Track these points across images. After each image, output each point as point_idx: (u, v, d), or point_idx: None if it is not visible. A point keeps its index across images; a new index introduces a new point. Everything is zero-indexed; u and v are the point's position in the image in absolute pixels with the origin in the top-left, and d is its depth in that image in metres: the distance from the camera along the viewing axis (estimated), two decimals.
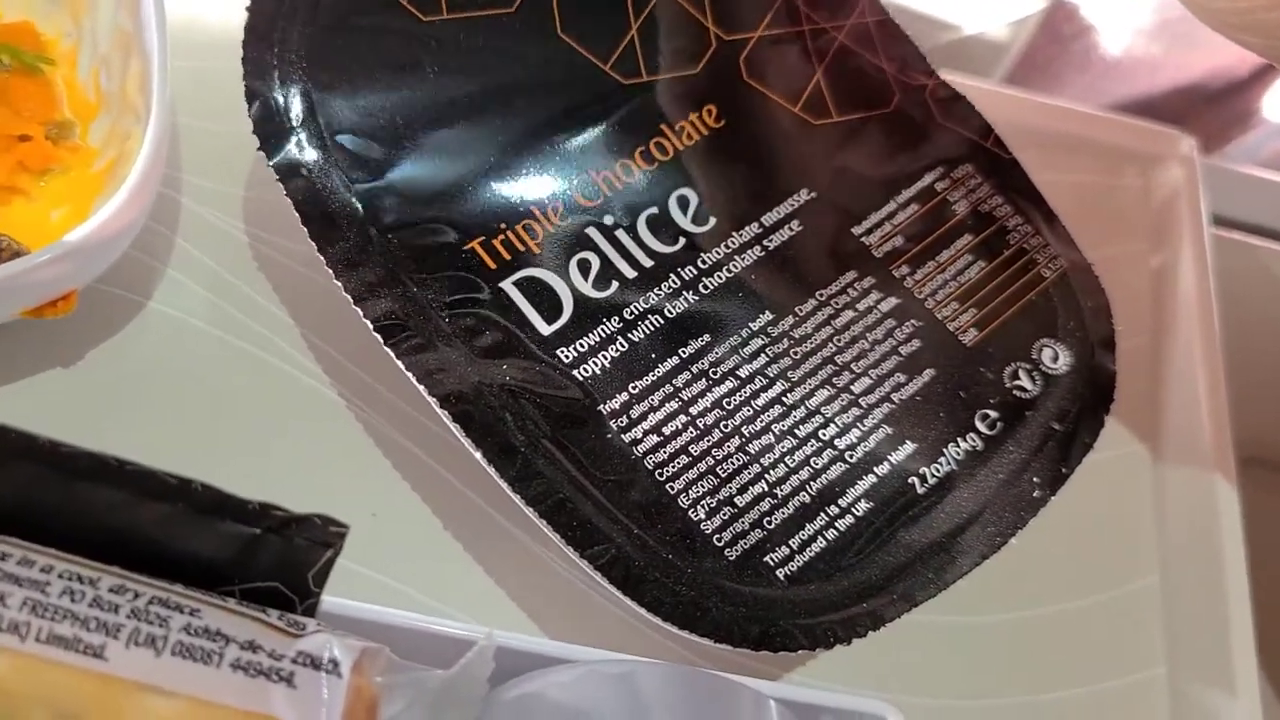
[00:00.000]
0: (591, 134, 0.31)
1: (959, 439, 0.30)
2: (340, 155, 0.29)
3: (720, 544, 0.27)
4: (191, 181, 0.33)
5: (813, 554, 0.27)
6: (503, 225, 0.29)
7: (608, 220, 0.30)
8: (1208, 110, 0.61)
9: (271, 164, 0.28)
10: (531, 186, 0.30)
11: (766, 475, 0.28)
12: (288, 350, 0.31)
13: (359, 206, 0.28)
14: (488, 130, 0.30)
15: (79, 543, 0.21)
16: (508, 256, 0.29)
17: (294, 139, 0.28)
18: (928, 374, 0.30)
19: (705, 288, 0.30)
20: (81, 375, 0.30)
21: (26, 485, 0.21)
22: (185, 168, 0.33)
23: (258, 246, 0.33)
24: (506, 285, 0.29)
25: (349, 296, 0.27)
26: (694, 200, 0.31)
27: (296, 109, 0.29)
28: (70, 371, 0.30)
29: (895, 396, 0.30)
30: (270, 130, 0.28)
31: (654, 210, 0.31)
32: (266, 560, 0.22)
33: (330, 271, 0.27)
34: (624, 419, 0.28)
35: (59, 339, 0.30)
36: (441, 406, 0.26)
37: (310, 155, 0.28)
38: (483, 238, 0.29)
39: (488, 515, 0.30)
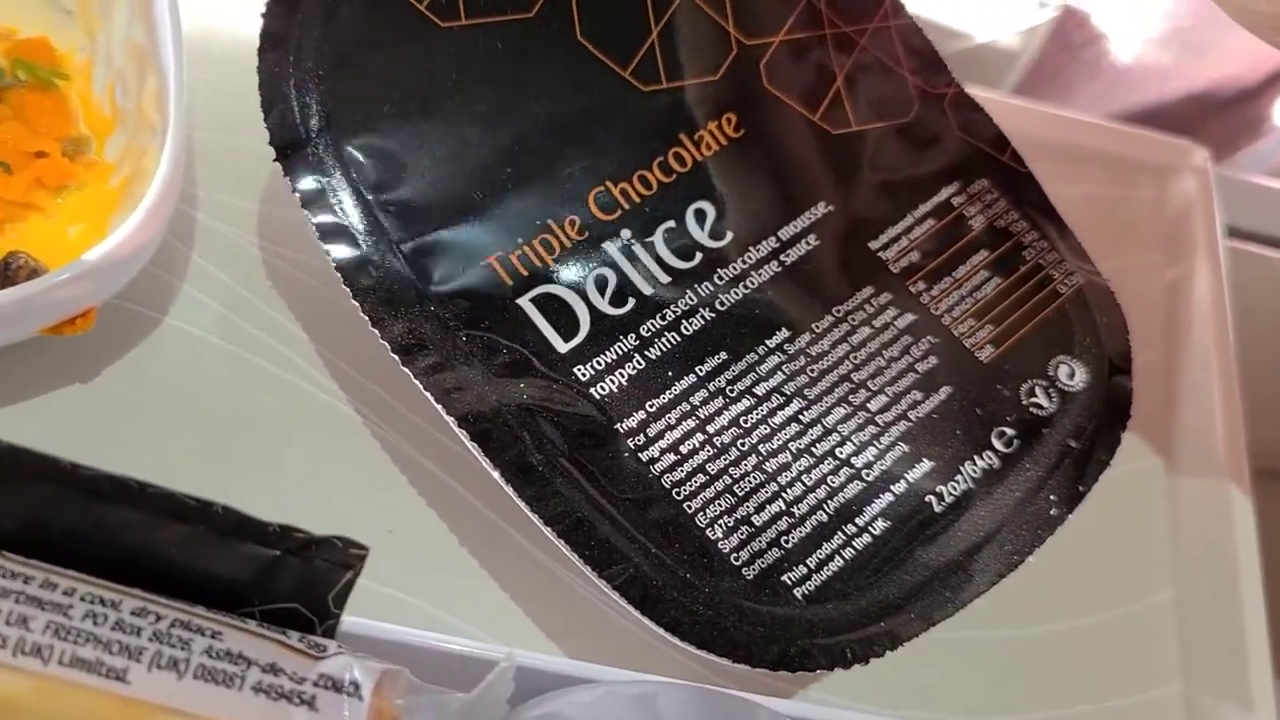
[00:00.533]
0: (610, 144, 0.31)
1: (976, 457, 0.30)
2: (357, 168, 0.28)
3: (738, 563, 0.27)
4: (207, 196, 0.33)
5: (830, 573, 0.27)
6: (519, 239, 0.29)
7: (625, 234, 0.30)
8: (1217, 118, 0.61)
9: (288, 176, 0.28)
10: (549, 198, 0.30)
11: (784, 494, 0.28)
12: (303, 366, 0.31)
13: (376, 222, 0.28)
14: (505, 139, 0.30)
15: (100, 563, 0.21)
16: (525, 273, 0.29)
17: (310, 150, 0.28)
18: (944, 391, 0.30)
19: (722, 304, 0.30)
20: (99, 391, 0.30)
21: (48, 507, 0.21)
22: (200, 182, 0.33)
23: (273, 262, 0.33)
24: (524, 302, 0.28)
25: (366, 317, 0.27)
26: (711, 214, 0.31)
27: (313, 119, 0.28)
28: (88, 388, 0.30)
29: (912, 414, 0.30)
30: (287, 141, 0.28)
31: (671, 224, 0.31)
32: (287, 582, 0.22)
33: (347, 290, 0.27)
34: (641, 437, 0.28)
35: (77, 356, 0.30)
36: (460, 426, 0.26)
37: (327, 167, 0.28)
38: (500, 253, 0.29)
39: (505, 533, 0.30)
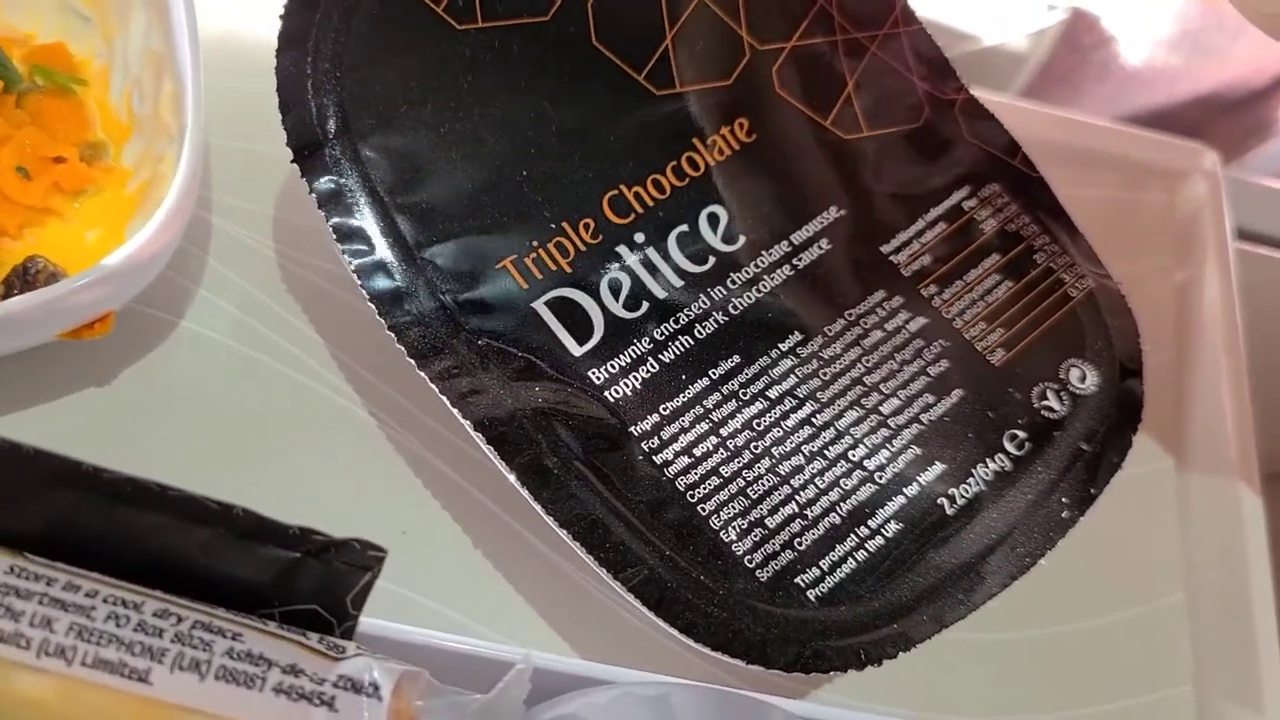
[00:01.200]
0: (623, 147, 0.31)
1: (988, 460, 0.30)
2: (374, 169, 0.28)
3: (752, 565, 0.27)
4: (222, 200, 0.33)
5: (843, 575, 0.28)
6: (534, 242, 0.29)
7: (638, 238, 0.30)
8: (1227, 120, 0.61)
9: (305, 176, 0.28)
10: (563, 202, 0.30)
11: (797, 496, 0.28)
12: (318, 369, 0.31)
13: (392, 224, 0.28)
14: (520, 142, 0.30)
15: (122, 566, 0.21)
16: (539, 276, 0.29)
17: (327, 151, 0.28)
18: (956, 394, 0.30)
19: (735, 308, 0.30)
20: (117, 394, 0.30)
21: (71, 510, 0.21)
22: (216, 186, 0.34)
23: (288, 266, 0.33)
24: (538, 306, 0.29)
25: (382, 320, 0.27)
26: (724, 218, 0.31)
27: (330, 120, 0.28)
28: (106, 390, 0.30)
29: (924, 417, 0.30)
30: (304, 142, 0.28)
31: (684, 228, 0.31)
32: (306, 583, 0.22)
33: (363, 293, 0.28)
34: (655, 440, 0.28)
35: (95, 359, 0.30)
36: (476, 430, 0.27)
37: (344, 169, 0.28)
38: (514, 256, 0.29)
39: (519, 535, 0.30)
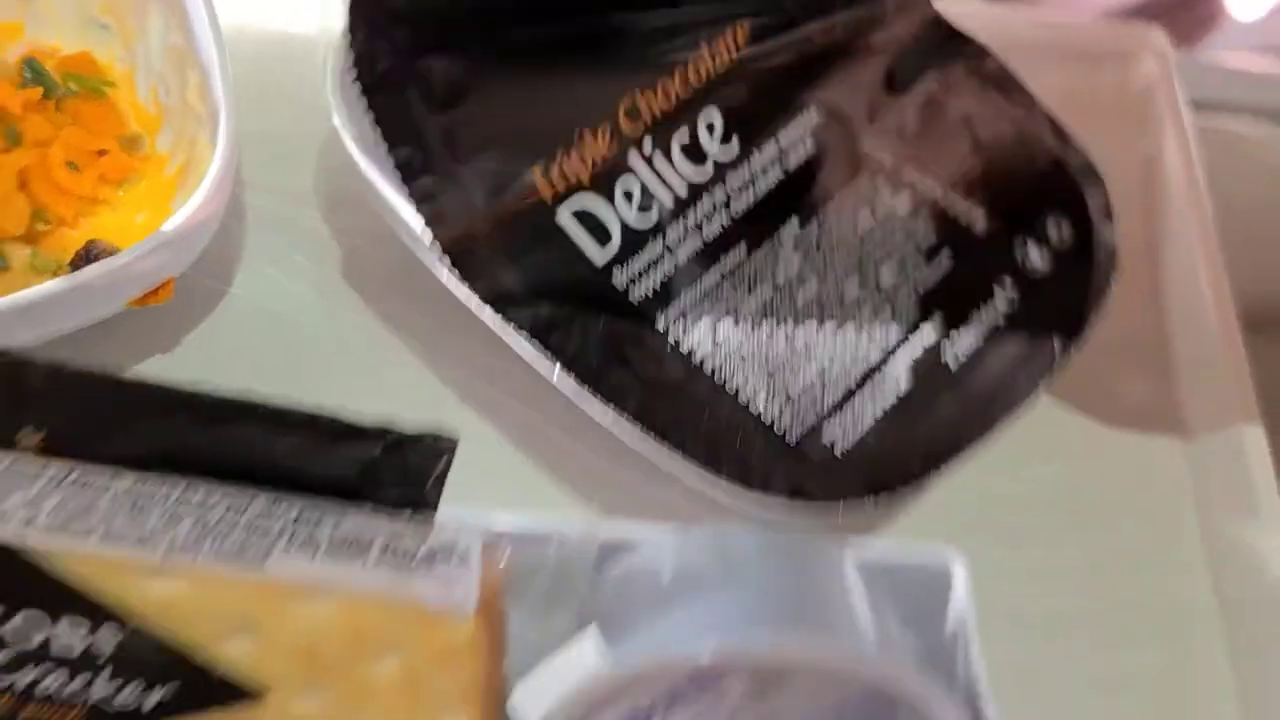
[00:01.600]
0: (639, 54, 0.33)
1: (983, 314, 0.33)
2: (425, 87, 0.30)
3: (780, 431, 0.30)
4: (253, 178, 0.36)
5: (864, 429, 0.30)
6: (559, 151, 0.31)
7: (646, 146, 0.32)
8: (1180, 11, 0.63)
9: (363, 94, 0.30)
10: (585, 108, 0.32)
11: (812, 364, 0.31)
12: (356, 320, 0.34)
13: (442, 140, 0.30)
14: (553, 50, 0.32)
15: (226, 478, 0.24)
16: (562, 188, 0.31)
17: (383, 70, 0.30)
18: (946, 261, 0.33)
19: (735, 206, 0.32)
20: (180, 358, 0.33)
21: (175, 434, 0.24)
22: (246, 164, 0.36)
23: (322, 229, 0.35)
24: (563, 217, 0.31)
25: (421, 217, 0.30)
26: (719, 124, 0.33)
27: (387, 40, 0.30)
28: (171, 356, 0.33)
29: (920, 284, 0.33)
30: (362, 60, 0.30)
31: (686, 134, 0.33)
32: (389, 475, 0.25)
33: (409, 196, 0.30)
34: (680, 330, 0.31)
35: (158, 327, 0.32)
36: (518, 330, 0.29)
37: (400, 85, 0.30)
38: (542, 163, 0.31)
39: (553, 430, 0.32)
